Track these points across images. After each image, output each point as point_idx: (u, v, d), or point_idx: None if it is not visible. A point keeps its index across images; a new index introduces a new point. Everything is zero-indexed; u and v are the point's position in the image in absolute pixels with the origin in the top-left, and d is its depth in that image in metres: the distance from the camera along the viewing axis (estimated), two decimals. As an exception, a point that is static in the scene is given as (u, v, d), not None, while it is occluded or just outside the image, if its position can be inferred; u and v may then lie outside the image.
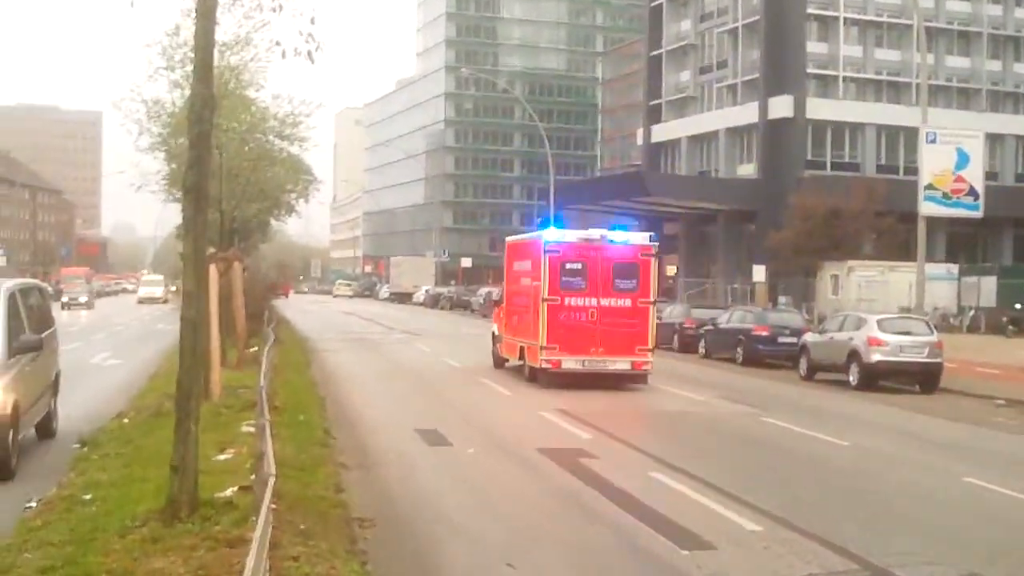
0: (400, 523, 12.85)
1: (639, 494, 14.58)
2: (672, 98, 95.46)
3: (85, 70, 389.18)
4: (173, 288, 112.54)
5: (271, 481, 9.32)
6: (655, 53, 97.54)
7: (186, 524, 10.93)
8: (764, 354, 38.53)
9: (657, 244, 29.70)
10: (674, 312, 47.61)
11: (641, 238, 29.96)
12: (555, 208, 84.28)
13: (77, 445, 17.14)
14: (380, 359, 38.25)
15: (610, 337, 28.47)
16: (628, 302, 28.58)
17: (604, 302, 28.51)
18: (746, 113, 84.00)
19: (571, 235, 29.54)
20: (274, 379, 23.95)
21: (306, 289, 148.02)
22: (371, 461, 16.90)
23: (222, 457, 15.20)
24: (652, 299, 29.01)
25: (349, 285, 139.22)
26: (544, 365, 28.50)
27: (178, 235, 54.02)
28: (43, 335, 17.52)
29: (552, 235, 29.15)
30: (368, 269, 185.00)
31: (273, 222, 53.99)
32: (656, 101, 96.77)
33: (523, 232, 46.58)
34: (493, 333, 35.54)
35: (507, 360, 33.05)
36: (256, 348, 30.80)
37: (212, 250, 17.58)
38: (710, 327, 42.15)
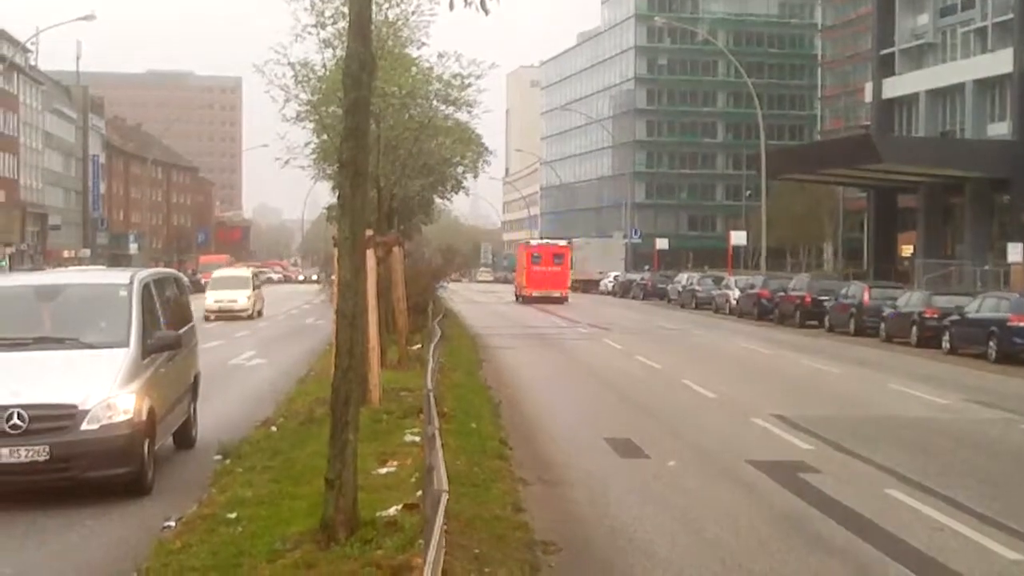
0: (589, 549, 12.86)
1: (873, 516, 14.37)
2: (907, 46, 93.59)
3: (222, 31, 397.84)
4: (314, 277, 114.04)
5: (444, 499, 9.39)
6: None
7: (344, 547, 11.10)
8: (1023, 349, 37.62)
9: (570, 244, 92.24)
10: (911, 300, 46.63)
11: (564, 243, 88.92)
12: (767, 178, 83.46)
13: (219, 457, 17.53)
14: (563, 357, 38.39)
15: (551, 282, 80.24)
16: (559, 268, 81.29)
17: (549, 268, 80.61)
18: (998, 62, 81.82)
19: (536, 242, 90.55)
20: (441, 381, 24.20)
21: (460, 277, 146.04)
22: (555, 476, 16.96)
23: (383, 471, 15.41)
24: (569, 268, 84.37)
25: (488, 271, 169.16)
26: (524, 293, 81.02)
27: (329, 217, 55.04)
28: (181, 332, 17.99)
29: (529, 243, 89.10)
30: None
31: (438, 200, 54.45)
32: (888, 50, 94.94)
33: (725, 204, 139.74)
34: (514, 284, 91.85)
35: (520, 296, 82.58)
36: (420, 345, 31.16)
37: (370, 233, 17.79)
38: (956, 317, 41.25)
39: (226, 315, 57.33)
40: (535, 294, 79.77)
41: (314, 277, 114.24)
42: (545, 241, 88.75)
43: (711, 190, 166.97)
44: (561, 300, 79.56)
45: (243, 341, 42.98)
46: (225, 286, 61.63)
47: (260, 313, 61.35)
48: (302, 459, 16.14)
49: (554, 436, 20.95)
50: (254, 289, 62.32)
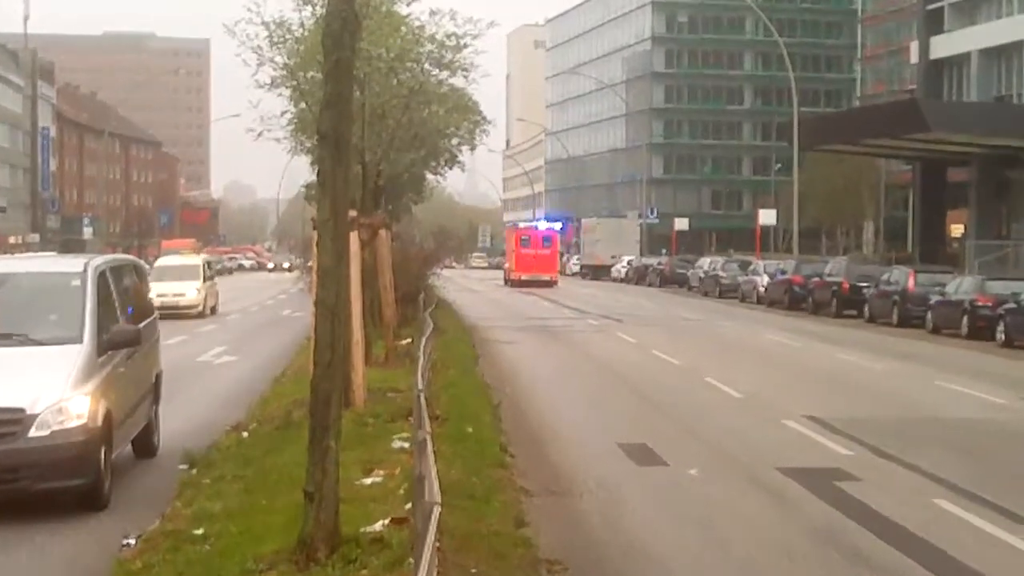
0: (600, 569, 12.88)
1: (918, 528, 14.42)
2: None
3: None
4: (286, 264, 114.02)
5: (436, 512, 9.40)
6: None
7: (324, 567, 11.14)
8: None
9: (560, 227, 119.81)
10: (962, 286, 46.53)
11: (557, 225, 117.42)
12: (800, 150, 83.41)
13: (184, 466, 17.56)
14: (570, 352, 38.39)
15: (540, 266, 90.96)
16: (548, 252, 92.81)
17: (538, 252, 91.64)
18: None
19: (525, 224, 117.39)
20: (433, 379, 24.21)
21: (454, 263, 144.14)
22: (561, 486, 16.99)
23: (368, 481, 15.45)
24: (558, 251, 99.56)
25: (482, 257, 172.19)
26: (513, 277, 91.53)
27: (308, 195, 55.12)
28: (141, 326, 17.95)
29: (518, 226, 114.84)
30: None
31: (430, 176, 54.52)
32: (936, 4, 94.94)
33: (753, 179, 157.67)
34: (504, 268, 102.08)
35: (508, 280, 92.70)
36: (410, 339, 31.16)
37: (353, 214, 17.78)
38: (1012, 305, 41.21)
39: (171, 312, 47.24)
40: (524, 277, 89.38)
41: (285, 264, 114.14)
42: (535, 224, 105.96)
43: (737, 163, 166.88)
44: (550, 284, 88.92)
45: (211, 336, 43.01)
46: (170, 276, 54.45)
47: (214, 310, 56.47)
48: (277, 468, 16.17)
49: (561, 441, 20.97)
50: (206, 280, 56.38)
